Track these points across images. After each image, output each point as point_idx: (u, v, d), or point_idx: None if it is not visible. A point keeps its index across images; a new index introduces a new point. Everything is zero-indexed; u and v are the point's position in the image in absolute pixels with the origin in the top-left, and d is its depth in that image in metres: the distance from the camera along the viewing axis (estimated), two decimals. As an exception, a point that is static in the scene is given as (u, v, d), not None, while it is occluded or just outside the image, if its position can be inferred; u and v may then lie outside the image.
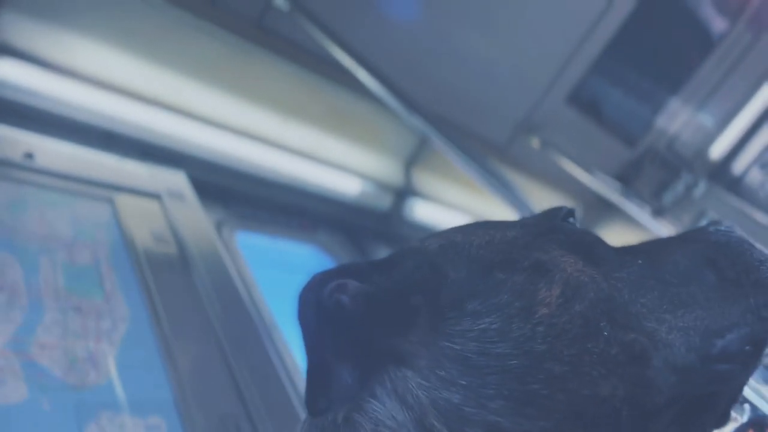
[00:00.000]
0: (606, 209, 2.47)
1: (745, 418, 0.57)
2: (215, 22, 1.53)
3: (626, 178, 2.46)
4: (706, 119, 2.53)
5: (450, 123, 1.92)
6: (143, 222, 1.28)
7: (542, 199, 2.35)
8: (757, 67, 2.41)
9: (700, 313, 0.42)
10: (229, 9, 1.54)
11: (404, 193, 2.23)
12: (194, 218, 1.39)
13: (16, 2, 1.32)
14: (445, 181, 2.27)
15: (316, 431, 0.44)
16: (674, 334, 0.41)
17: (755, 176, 2.40)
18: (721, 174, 2.47)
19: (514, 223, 0.51)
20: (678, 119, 2.54)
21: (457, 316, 0.42)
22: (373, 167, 2.10)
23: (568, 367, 0.39)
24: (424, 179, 2.24)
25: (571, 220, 0.51)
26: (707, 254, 0.46)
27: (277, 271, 1.69)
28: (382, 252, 2.08)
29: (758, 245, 0.47)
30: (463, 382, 0.39)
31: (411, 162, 2.18)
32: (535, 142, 2.21)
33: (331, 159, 1.97)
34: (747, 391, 0.56)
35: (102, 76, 1.48)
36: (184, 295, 1.16)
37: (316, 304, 0.42)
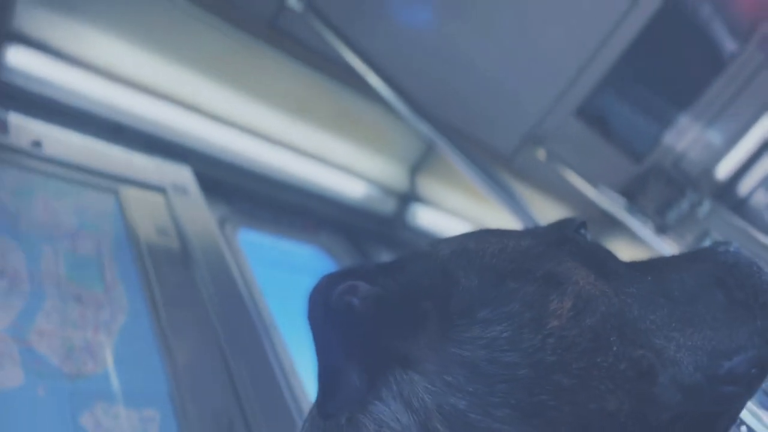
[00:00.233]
0: (609, 224, 2.46)
1: None
2: (229, 20, 1.54)
3: (631, 194, 2.46)
4: (713, 139, 2.53)
5: (457, 130, 1.92)
6: (147, 215, 1.28)
7: (546, 210, 2.35)
8: (766, 89, 2.41)
9: (708, 333, 0.42)
10: (244, 7, 1.55)
11: (408, 198, 2.23)
12: (198, 213, 1.39)
13: (32, -9, 1.33)
14: (449, 188, 2.27)
15: (317, 431, 0.44)
16: (682, 352, 0.41)
17: (760, 198, 2.40)
18: (726, 194, 2.47)
19: (527, 233, 0.51)
20: (685, 137, 2.54)
21: (468, 323, 0.42)
22: (378, 171, 2.10)
23: (576, 380, 0.39)
24: (428, 185, 2.24)
25: (582, 231, 0.51)
26: (716, 274, 0.46)
27: (277, 270, 1.70)
28: (383, 255, 2.08)
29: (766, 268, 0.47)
30: (470, 389, 0.40)
31: (416, 167, 2.18)
32: (541, 154, 2.21)
33: (337, 161, 1.97)
34: (745, 414, 0.56)
35: (113, 68, 1.49)
36: (183, 290, 1.16)
37: (326, 306, 0.42)
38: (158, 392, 0.96)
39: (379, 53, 1.43)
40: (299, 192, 1.92)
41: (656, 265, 0.49)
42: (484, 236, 0.49)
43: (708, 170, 2.54)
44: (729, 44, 2.37)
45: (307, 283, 0.45)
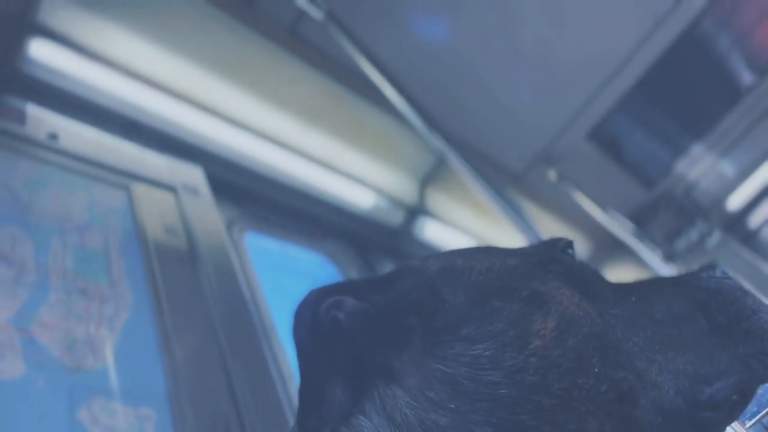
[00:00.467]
0: (617, 248, 2.45)
1: None
2: (250, 25, 1.56)
3: (640, 220, 2.45)
4: (726, 169, 2.52)
5: (469, 146, 1.93)
6: (156, 213, 1.29)
7: (554, 230, 2.34)
8: (783, 123, 2.40)
9: (690, 358, 0.42)
10: (265, 13, 1.56)
11: (416, 211, 2.23)
12: (207, 214, 1.40)
13: (58, -14, 1.35)
14: (458, 203, 2.27)
15: None
16: (664, 376, 0.41)
17: (771, 232, 2.38)
18: (736, 226, 2.45)
19: (515, 252, 0.51)
20: (698, 167, 2.53)
21: (451, 339, 0.42)
22: (388, 182, 2.10)
23: (557, 401, 0.39)
24: (437, 199, 2.24)
25: (569, 251, 0.51)
26: (700, 299, 0.46)
27: (282, 275, 1.70)
28: (388, 267, 2.08)
29: (754, 294, 0.47)
30: (452, 406, 0.40)
31: (426, 181, 2.18)
32: (552, 174, 2.21)
33: (348, 170, 1.98)
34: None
35: (133, 65, 1.50)
36: (188, 290, 1.17)
37: (312, 320, 0.42)
38: (156, 391, 0.96)
39: (395, 65, 1.43)
40: (308, 199, 1.93)
41: (641, 287, 0.49)
42: (472, 254, 0.50)
43: (719, 201, 2.52)
44: (746, 76, 2.37)
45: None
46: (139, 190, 1.31)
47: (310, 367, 0.42)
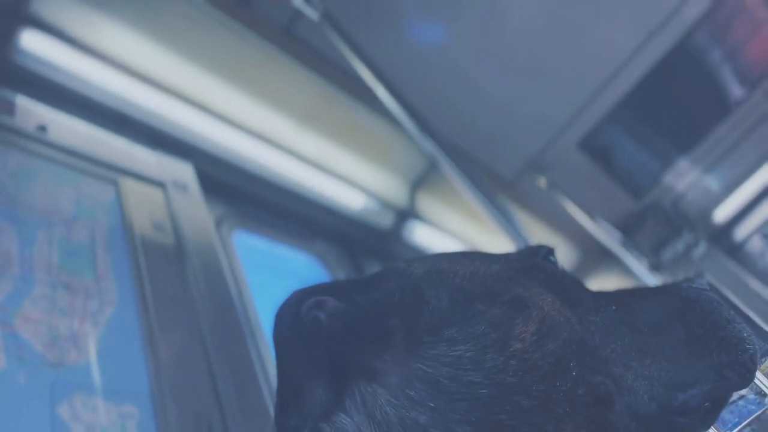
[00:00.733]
0: (604, 257, 2.46)
1: None
2: (245, 23, 1.55)
3: (628, 229, 2.47)
4: (713, 182, 2.54)
5: (461, 151, 1.93)
6: (145, 208, 1.28)
7: (543, 237, 2.36)
8: (770, 138, 2.43)
9: (666, 365, 0.43)
10: (261, 12, 1.56)
11: (407, 214, 2.23)
12: (195, 211, 1.39)
13: (52, -23, 1.34)
14: (448, 207, 2.28)
15: None
16: (639, 381, 0.42)
17: (756, 245, 2.41)
18: (722, 238, 2.48)
19: (498, 257, 0.52)
20: (686, 178, 2.55)
21: (434, 341, 0.42)
22: (379, 185, 2.11)
23: (535, 402, 0.40)
24: (427, 203, 2.24)
25: (552, 259, 0.52)
26: (679, 308, 0.47)
27: (270, 274, 1.69)
28: (376, 269, 2.08)
29: (729, 306, 0.48)
30: (432, 405, 0.40)
31: (417, 184, 2.18)
32: (542, 182, 2.22)
33: (339, 171, 1.97)
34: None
35: (125, 60, 1.49)
36: (174, 287, 1.16)
37: (294, 320, 0.43)
38: (139, 389, 0.95)
39: (390, 68, 1.44)
40: (299, 199, 1.92)
41: (622, 295, 0.50)
42: (457, 258, 0.51)
43: (706, 213, 2.55)
44: (736, 90, 2.40)
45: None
46: (128, 184, 1.30)
47: (290, 367, 0.42)
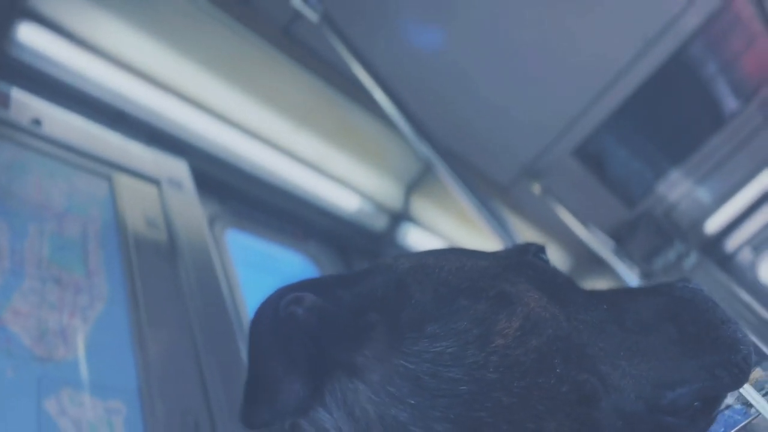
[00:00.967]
0: (596, 264, 2.47)
1: None
2: (244, 22, 1.55)
3: (620, 238, 2.48)
4: (705, 193, 2.56)
5: (456, 155, 1.94)
6: (138, 205, 1.27)
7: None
8: (763, 150, 2.45)
9: (655, 364, 0.42)
10: (260, 11, 1.56)
11: (400, 217, 2.24)
12: (189, 209, 1.39)
13: (51, -30, 1.33)
14: (442, 211, 2.28)
15: None
16: (626, 380, 0.41)
17: (746, 256, 2.42)
18: (713, 248, 2.49)
19: (487, 254, 0.52)
20: (679, 188, 2.57)
21: (416, 336, 0.42)
22: (373, 187, 2.11)
23: (516, 399, 0.39)
24: (421, 206, 2.25)
25: (542, 256, 0.52)
26: (672, 308, 0.46)
27: (263, 274, 1.69)
28: (369, 272, 2.08)
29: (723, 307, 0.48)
30: (412, 402, 0.40)
31: (412, 187, 2.18)
32: (536, 188, 2.23)
33: (334, 173, 1.98)
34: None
35: (122, 55, 1.49)
36: (166, 284, 1.15)
37: (272, 316, 0.42)
38: (127, 385, 0.95)
39: (387, 70, 1.44)
40: (293, 199, 1.92)
41: (615, 295, 0.50)
42: (444, 254, 0.50)
43: (698, 223, 2.56)
44: (731, 103, 2.41)
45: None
46: (122, 180, 1.30)
47: (265, 362, 0.42)
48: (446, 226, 2.34)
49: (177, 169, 1.48)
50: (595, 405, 0.40)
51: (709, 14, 2.06)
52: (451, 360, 0.40)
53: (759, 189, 2.45)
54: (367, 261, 2.13)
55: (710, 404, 0.43)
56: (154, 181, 1.37)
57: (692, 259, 2.40)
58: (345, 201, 2.05)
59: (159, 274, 1.16)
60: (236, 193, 1.79)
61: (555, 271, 0.50)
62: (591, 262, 2.51)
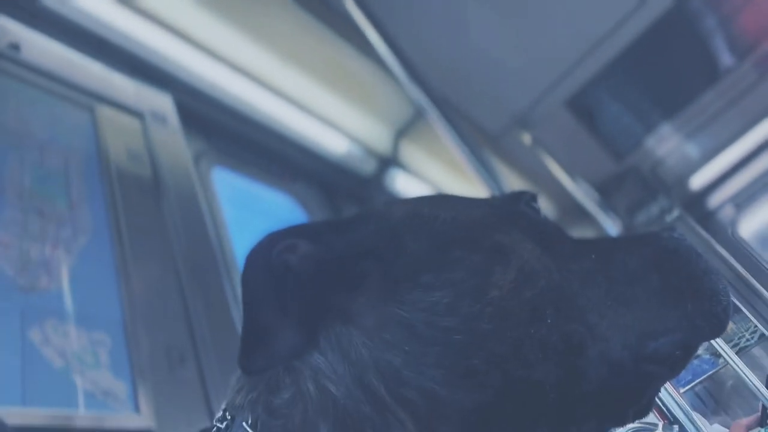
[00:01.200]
0: (580, 215, 2.50)
1: None
2: (232, -51, 1.48)
3: (606, 190, 2.50)
4: (693, 149, 2.57)
5: (448, 101, 1.91)
6: (121, 137, 1.25)
7: (521, 194, 2.37)
8: (754, 108, 2.45)
9: (640, 314, 0.43)
10: (249, -62, 1.49)
11: (389, 161, 2.22)
12: (174, 144, 1.36)
13: None
14: (431, 157, 2.27)
15: (258, 377, 0.45)
16: (613, 330, 0.43)
17: (728, 213, 2.46)
18: (695, 205, 2.53)
19: (480, 202, 0.51)
20: (667, 144, 2.57)
21: (411, 286, 0.42)
22: (363, 130, 2.08)
23: (508, 348, 0.40)
24: (410, 152, 2.23)
25: (534, 205, 0.52)
26: (656, 258, 0.47)
27: (247, 212, 1.68)
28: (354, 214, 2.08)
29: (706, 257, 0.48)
30: (407, 348, 0.41)
31: (402, 132, 2.16)
32: (526, 138, 2.22)
33: (324, 113, 1.94)
34: (678, 413, 0.58)
35: (105, -21, 1.42)
36: (150, 219, 1.15)
37: (265, 263, 0.42)
38: (112, 318, 0.96)
39: (382, 11, 1.39)
40: (281, 138, 1.89)
41: (602, 244, 0.50)
42: (438, 202, 0.50)
43: (683, 179, 2.59)
44: (726, 59, 2.39)
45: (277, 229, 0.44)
46: (104, 112, 1.26)
47: (259, 310, 0.42)
48: (434, 172, 2.33)
49: (161, 102, 1.45)
50: (582, 354, 0.41)
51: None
52: (446, 310, 0.41)
53: (747, 146, 2.46)
54: (355, 205, 2.13)
55: (689, 352, 0.45)
56: (138, 114, 1.34)
57: (674, 214, 2.44)
58: (334, 143, 2.03)
59: (143, 209, 1.15)
60: (223, 130, 1.75)
61: (546, 221, 0.50)
62: (575, 213, 2.53)
